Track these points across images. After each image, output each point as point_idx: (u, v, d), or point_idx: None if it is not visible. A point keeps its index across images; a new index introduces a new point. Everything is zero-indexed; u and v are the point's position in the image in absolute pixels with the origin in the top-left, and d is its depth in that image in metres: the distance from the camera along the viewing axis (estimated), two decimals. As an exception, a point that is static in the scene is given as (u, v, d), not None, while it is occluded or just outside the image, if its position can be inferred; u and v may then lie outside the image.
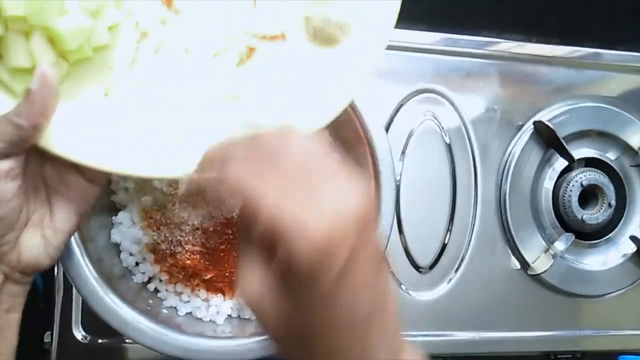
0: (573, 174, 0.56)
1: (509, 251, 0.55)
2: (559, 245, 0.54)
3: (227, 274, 0.42)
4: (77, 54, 0.28)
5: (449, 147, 0.55)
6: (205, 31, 0.31)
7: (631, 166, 0.58)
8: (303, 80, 0.32)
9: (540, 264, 0.54)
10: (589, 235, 0.57)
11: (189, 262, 0.41)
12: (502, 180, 0.55)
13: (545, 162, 0.56)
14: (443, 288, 0.53)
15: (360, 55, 0.32)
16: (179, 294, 0.43)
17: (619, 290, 0.57)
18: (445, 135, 0.55)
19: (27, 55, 0.27)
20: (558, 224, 0.56)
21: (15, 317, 0.32)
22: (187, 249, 0.41)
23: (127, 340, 0.47)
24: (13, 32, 0.27)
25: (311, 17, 0.32)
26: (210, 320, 0.43)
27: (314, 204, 0.21)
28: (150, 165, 0.29)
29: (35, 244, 0.30)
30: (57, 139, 0.28)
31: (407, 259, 0.53)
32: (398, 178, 0.53)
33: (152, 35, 0.31)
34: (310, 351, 0.24)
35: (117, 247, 0.43)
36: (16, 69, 0.27)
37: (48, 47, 0.27)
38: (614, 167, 0.57)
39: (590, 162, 0.57)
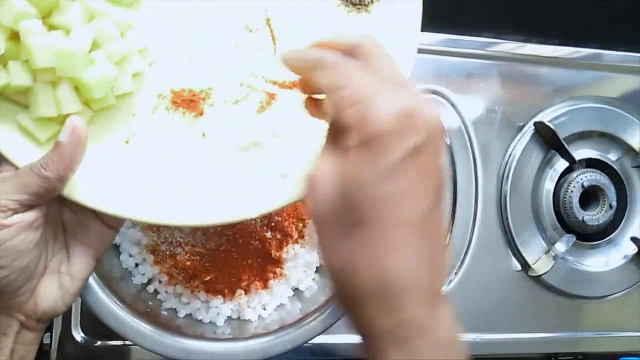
0: (574, 175, 0.56)
1: (510, 252, 0.55)
2: (560, 247, 0.54)
3: (227, 276, 0.42)
4: (102, 102, 0.28)
5: (449, 149, 0.54)
6: (225, 79, 0.31)
7: (632, 167, 0.58)
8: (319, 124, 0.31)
9: (541, 265, 0.54)
10: (590, 237, 0.57)
11: (189, 263, 0.41)
12: (503, 181, 0.55)
13: (546, 163, 0.56)
14: (444, 290, 0.53)
15: (398, 15, 0.32)
16: (179, 295, 0.43)
17: (620, 291, 0.57)
18: (446, 136, 0.54)
19: (53, 105, 0.27)
20: (559, 225, 0.56)
21: None
22: (187, 250, 0.41)
23: (126, 342, 0.46)
24: (41, 82, 0.27)
25: None
26: (210, 322, 0.43)
27: (401, 93, 0.23)
28: (170, 212, 0.29)
29: (52, 292, 0.29)
30: (77, 187, 0.28)
31: (407, 261, 0.52)
32: (399, 179, 0.53)
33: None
34: (351, 235, 0.23)
35: (117, 248, 0.43)
36: (42, 118, 0.27)
37: (74, 96, 0.28)
38: (615, 168, 0.57)
39: (591, 163, 0.57)
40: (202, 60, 0.31)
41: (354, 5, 0.32)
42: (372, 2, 0.32)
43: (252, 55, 0.31)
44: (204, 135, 0.30)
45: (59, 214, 0.30)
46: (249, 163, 0.30)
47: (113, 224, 0.31)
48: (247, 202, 0.29)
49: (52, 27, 0.27)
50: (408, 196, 0.22)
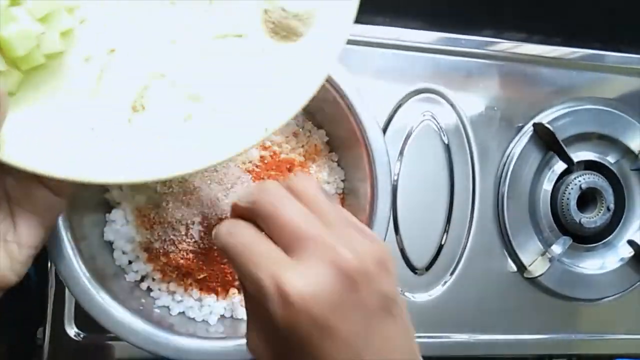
0: (572, 176, 0.55)
1: (506, 253, 0.54)
2: (556, 249, 0.54)
3: (220, 274, 0.42)
4: (28, 61, 0.28)
5: (447, 148, 0.54)
6: (159, 38, 0.31)
7: (631, 170, 0.58)
8: (265, 77, 0.31)
9: (537, 267, 0.54)
10: (587, 239, 0.56)
11: (182, 261, 0.41)
12: (500, 181, 0.55)
13: (544, 165, 0.56)
14: (439, 290, 0.53)
15: (321, 48, 0.31)
16: (172, 293, 0.43)
17: (616, 294, 0.57)
18: (444, 135, 0.54)
19: None
20: (556, 227, 0.56)
21: None
22: (180, 248, 0.41)
23: (120, 338, 0.46)
24: None
25: (270, 10, 0.31)
26: (203, 321, 0.43)
27: (305, 268, 0.23)
28: (112, 170, 0.28)
29: None
30: (13, 150, 0.27)
31: (403, 260, 0.52)
32: (395, 178, 0.52)
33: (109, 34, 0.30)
34: None
35: (109, 245, 0.43)
36: None
37: None
38: (614, 170, 0.57)
39: (589, 165, 0.57)
40: (133, 17, 0.30)
41: (281, 35, 0.31)
42: (302, 34, 0.31)
43: (188, 10, 0.31)
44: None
45: (0, 182, 0.29)
46: (189, 114, 0.30)
47: (58, 189, 0.30)
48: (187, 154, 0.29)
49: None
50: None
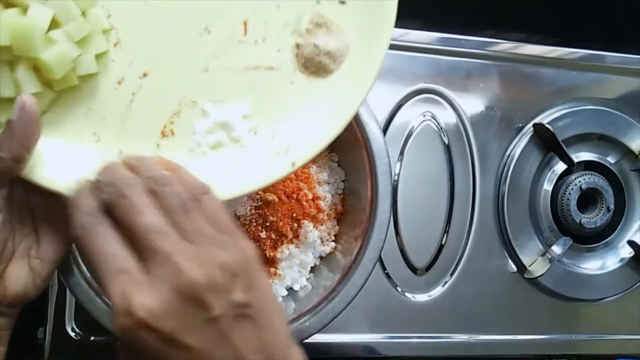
0: (572, 177, 0.55)
1: (506, 254, 0.54)
2: (557, 249, 0.54)
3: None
4: (64, 82, 0.28)
5: (447, 148, 0.54)
6: (191, 64, 0.31)
7: (631, 170, 0.58)
8: (293, 111, 0.32)
9: (537, 267, 0.54)
10: (587, 239, 0.57)
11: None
12: (500, 182, 0.55)
13: (544, 165, 0.56)
14: (439, 290, 0.53)
15: (350, 86, 0.32)
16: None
17: (616, 294, 0.57)
18: (444, 135, 0.54)
19: (11, 85, 0.27)
20: (556, 228, 0.56)
21: (1, 351, 0.31)
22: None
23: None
24: None
25: (302, 45, 0.32)
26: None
27: (154, 278, 0.24)
28: None
29: (22, 276, 0.29)
30: (44, 170, 0.28)
31: (403, 260, 0.52)
32: (396, 178, 0.53)
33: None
34: None
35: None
36: (1, 99, 0.27)
37: (33, 76, 0.27)
38: (614, 170, 0.57)
39: (589, 166, 0.57)
40: (167, 42, 0.31)
41: (311, 70, 0.32)
42: (332, 71, 0.32)
43: (221, 40, 0.31)
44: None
45: (26, 198, 0.29)
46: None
47: None
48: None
49: (8, 5, 0.27)
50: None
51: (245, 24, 0.31)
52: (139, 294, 0.23)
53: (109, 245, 0.25)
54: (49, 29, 0.27)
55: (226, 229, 0.26)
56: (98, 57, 0.29)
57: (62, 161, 0.28)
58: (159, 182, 0.26)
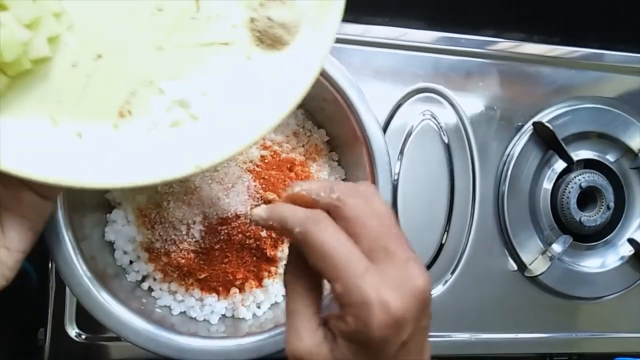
0: (572, 175, 0.55)
1: (506, 252, 0.54)
2: (557, 247, 0.54)
3: (221, 274, 0.42)
4: (16, 66, 0.28)
5: (447, 147, 0.54)
6: (146, 44, 0.31)
7: (631, 168, 0.58)
8: (250, 85, 0.31)
9: (538, 265, 0.54)
10: (587, 238, 0.57)
11: (183, 261, 0.41)
12: (500, 181, 0.55)
13: (544, 163, 0.56)
14: (440, 289, 0.53)
15: (306, 56, 0.31)
16: (173, 293, 0.43)
17: (616, 292, 0.57)
18: (444, 134, 0.54)
19: None
20: (556, 226, 0.56)
21: None
22: (181, 247, 0.41)
23: (120, 339, 0.46)
24: None
25: (256, 19, 0.31)
26: (204, 320, 0.43)
27: (391, 279, 0.24)
28: (99, 175, 0.29)
29: None
30: (3, 156, 0.27)
31: (403, 260, 0.52)
32: (396, 177, 0.53)
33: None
34: None
35: (110, 245, 0.43)
36: None
37: None
38: (614, 169, 0.57)
39: (589, 164, 0.57)
40: (120, 24, 0.30)
41: (267, 44, 0.32)
42: (287, 43, 0.32)
43: (174, 17, 0.31)
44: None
45: None
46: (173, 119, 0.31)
47: (47, 194, 0.30)
48: (173, 159, 0.30)
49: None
50: None
51: (197, 0, 0.31)
52: (389, 294, 0.24)
53: (341, 238, 0.24)
54: None
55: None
56: (50, 40, 0.29)
57: (19, 145, 0.28)
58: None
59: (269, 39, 0.31)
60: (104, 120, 0.30)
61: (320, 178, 0.46)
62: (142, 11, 0.31)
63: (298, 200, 0.27)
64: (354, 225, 0.25)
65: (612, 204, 0.55)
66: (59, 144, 0.29)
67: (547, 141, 0.55)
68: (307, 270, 0.26)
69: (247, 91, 0.31)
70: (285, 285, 0.28)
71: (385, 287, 0.24)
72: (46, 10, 0.28)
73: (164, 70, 0.31)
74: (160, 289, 0.43)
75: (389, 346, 0.24)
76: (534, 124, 0.55)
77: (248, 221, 0.41)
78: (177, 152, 0.30)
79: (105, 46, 0.30)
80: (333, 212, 0.26)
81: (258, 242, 0.41)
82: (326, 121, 0.47)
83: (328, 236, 0.24)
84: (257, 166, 0.43)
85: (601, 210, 0.56)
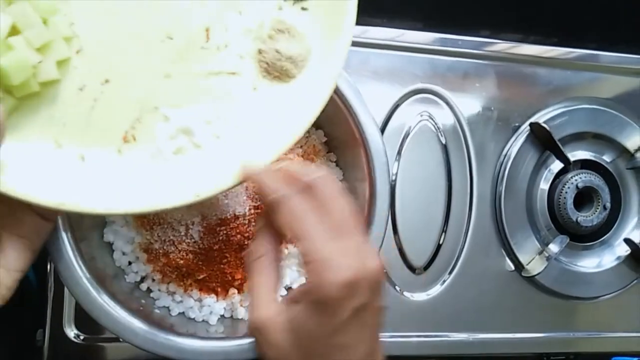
0: (569, 176, 0.56)
1: (504, 252, 0.55)
2: (554, 247, 0.54)
3: (220, 275, 0.42)
4: (24, 89, 0.28)
5: (444, 148, 0.54)
6: (153, 72, 0.31)
7: (627, 169, 0.58)
8: (255, 116, 0.32)
9: (535, 265, 0.54)
10: (584, 238, 0.57)
11: (182, 261, 0.41)
12: (497, 181, 0.55)
13: (541, 164, 0.56)
14: (437, 289, 0.53)
15: (311, 90, 0.32)
16: (172, 293, 0.43)
17: (613, 292, 0.57)
18: (441, 135, 0.54)
19: None
20: (553, 226, 0.56)
21: None
22: (180, 248, 0.41)
23: (119, 340, 0.46)
24: None
25: (264, 51, 0.32)
26: (203, 321, 0.43)
27: (349, 251, 0.27)
28: (99, 200, 0.29)
29: None
30: (7, 177, 0.28)
31: (401, 260, 0.53)
32: (393, 178, 0.53)
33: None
34: None
35: (109, 246, 0.43)
36: None
37: None
38: (610, 169, 0.57)
39: (586, 164, 0.57)
40: (129, 49, 0.31)
41: (274, 76, 0.32)
42: (294, 76, 0.32)
43: (183, 46, 0.31)
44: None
45: None
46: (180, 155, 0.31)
47: (47, 215, 0.30)
48: (179, 187, 0.30)
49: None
50: (352, 345, 0.27)
51: (207, 30, 0.31)
52: (350, 261, 0.27)
53: (311, 211, 0.28)
54: (8, 36, 0.27)
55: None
56: (59, 64, 0.29)
57: (22, 168, 0.28)
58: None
59: (276, 71, 0.32)
60: (108, 145, 0.30)
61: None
62: (152, 37, 0.31)
63: (281, 175, 0.31)
64: (325, 204, 0.28)
65: (608, 204, 0.56)
66: (62, 168, 0.29)
67: (543, 142, 0.55)
68: (270, 252, 0.30)
69: (251, 122, 0.31)
70: (248, 263, 0.31)
71: (344, 254, 0.27)
72: (57, 35, 0.29)
73: (170, 98, 0.31)
74: (159, 290, 0.43)
75: (341, 309, 0.26)
76: (531, 124, 0.55)
77: (247, 222, 0.41)
78: (178, 181, 0.30)
79: (113, 71, 0.30)
80: (308, 190, 0.29)
81: (256, 243, 0.41)
82: (324, 122, 0.47)
83: (297, 202, 0.28)
84: (256, 167, 0.43)
85: (598, 210, 0.56)
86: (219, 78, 0.32)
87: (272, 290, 0.29)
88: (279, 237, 0.31)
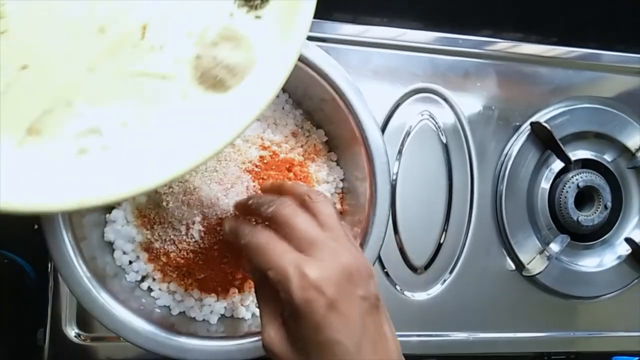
0: (569, 175, 0.56)
1: (504, 252, 0.55)
2: (554, 247, 0.54)
3: (220, 274, 0.42)
4: None
5: (445, 147, 0.54)
6: (82, 55, 0.29)
7: (628, 168, 0.58)
8: (176, 124, 0.29)
9: (535, 265, 0.54)
10: (585, 237, 0.57)
11: (182, 261, 0.41)
12: (498, 180, 0.55)
13: (542, 163, 0.56)
14: (438, 288, 0.53)
15: (242, 106, 0.29)
16: (173, 293, 0.43)
17: (614, 292, 0.57)
18: (442, 135, 0.54)
19: None
20: (554, 225, 0.56)
21: None
22: (180, 248, 0.41)
23: (120, 339, 0.46)
24: None
25: (201, 57, 0.29)
26: (203, 320, 0.43)
27: (314, 260, 0.29)
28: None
29: None
30: None
31: (402, 259, 0.53)
32: (394, 177, 0.53)
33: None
34: None
35: (110, 245, 0.43)
36: None
37: None
38: (611, 168, 0.57)
39: (587, 164, 0.57)
40: (57, 38, 0.29)
41: (208, 84, 0.29)
42: (229, 88, 0.29)
43: (114, 41, 0.29)
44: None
45: None
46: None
47: None
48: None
49: None
50: (341, 338, 0.29)
51: (144, 27, 0.29)
52: (307, 266, 0.28)
53: (277, 242, 0.31)
54: None
55: (353, 241, 0.33)
56: None
57: None
58: (312, 196, 0.33)
59: (210, 79, 0.29)
60: (10, 134, 0.28)
61: (319, 178, 0.46)
62: (84, 29, 0.29)
63: (249, 211, 0.36)
64: (283, 228, 0.31)
65: (609, 204, 0.56)
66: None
67: (544, 141, 0.55)
68: (265, 280, 0.31)
69: (171, 130, 0.29)
70: (257, 296, 0.34)
71: (304, 262, 0.29)
72: None
73: (89, 93, 0.29)
74: (160, 289, 0.43)
75: (313, 307, 0.28)
76: (532, 124, 0.55)
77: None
78: (70, 183, 0.27)
79: (34, 57, 0.28)
80: (270, 221, 0.33)
81: (257, 242, 0.41)
82: (325, 121, 0.47)
83: (260, 237, 0.31)
84: (256, 166, 0.43)
85: (598, 209, 0.56)
86: (147, 80, 0.29)
87: (276, 317, 0.31)
88: None
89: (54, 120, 0.28)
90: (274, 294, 0.31)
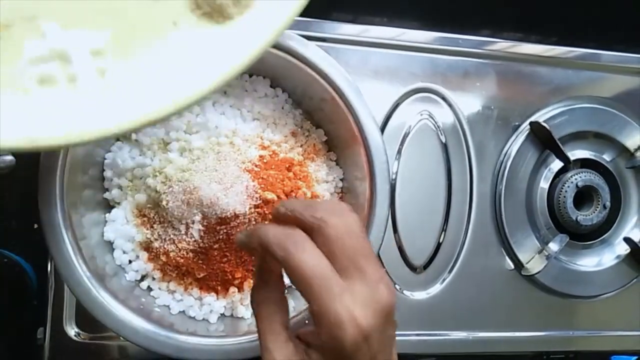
0: (568, 175, 0.56)
1: (503, 251, 0.55)
2: (553, 246, 0.54)
3: (220, 273, 0.42)
4: None
5: (444, 147, 0.54)
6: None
7: (627, 168, 0.58)
8: (160, 57, 0.25)
9: (534, 264, 0.54)
10: (584, 237, 0.57)
11: (182, 260, 0.41)
12: (497, 180, 0.55)
13: (541, 163, 0.56)
14: (437, 288, 0.53)
15: (243, 42, 0.25)
16: (172, 292, 0.43)
17: (613, 291, 0.57)
18: (442, 134, 0.54)
19: None
20: (552, 225, 0.56)
21: None
22: (180, 247, 0.41)
23: (120, 338, 0.46)
24: None
25: None
26: (203, 319, 0.43)
27: (363, 299, 0.26)
28: None
29: None
30: None
31: (401, 259, 0.53)
32: (393, 177, 0.53)
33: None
34: None
35: (109, 244, 0.43)
36: None
37: None
38: (610, 168, 0.57)
39: (586, 163, 0.57)
40: None
41: (204, 11, 0.25)
42: (230, 17, 0.25)
43: None
44: None
45: None
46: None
47: None
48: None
49: None
50: None
51: None
52: (357, 310, 0.26)
53: (318, 262, 0.26)
54: None
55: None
56: None
57: None
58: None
59: (209, 6, 0.25)
60: None
61: (319, 177, 0.46)
62: None
63: (282, 220, 0.29)
64: (333, 245, 0.27)
65: (608, 203, 0.56)
66: None
67: (543, 141, 0.55)
68: (272, 292, 0.30)
69: (154, 65, 0.24)
70: (253, 308, 0.30)
71: (356, 305, 0.26)
72: None
73: (59, 10, 0.24)
74: (159, 288, 0.43)
75: (359, 355, 0.26)
76: (531, 123, 0.55)
77: (247, 221, 0.41)
78: (35, 119, 0.23)
79: None
80: (315, 230, 0.27)
81: (257, 242, 0.42)
82: (324, 121, 0.47)
83: (306, 257, 0.26)
84: (256, 166, 0.43)
85: (597, 209, 0.56)
86: (134, 1, 0.25)
87: (280, 333, 0.29)
88: (279, 271, 0.30)
89: (13, 37, 0.24)
90: (278, 302, 0.29)
